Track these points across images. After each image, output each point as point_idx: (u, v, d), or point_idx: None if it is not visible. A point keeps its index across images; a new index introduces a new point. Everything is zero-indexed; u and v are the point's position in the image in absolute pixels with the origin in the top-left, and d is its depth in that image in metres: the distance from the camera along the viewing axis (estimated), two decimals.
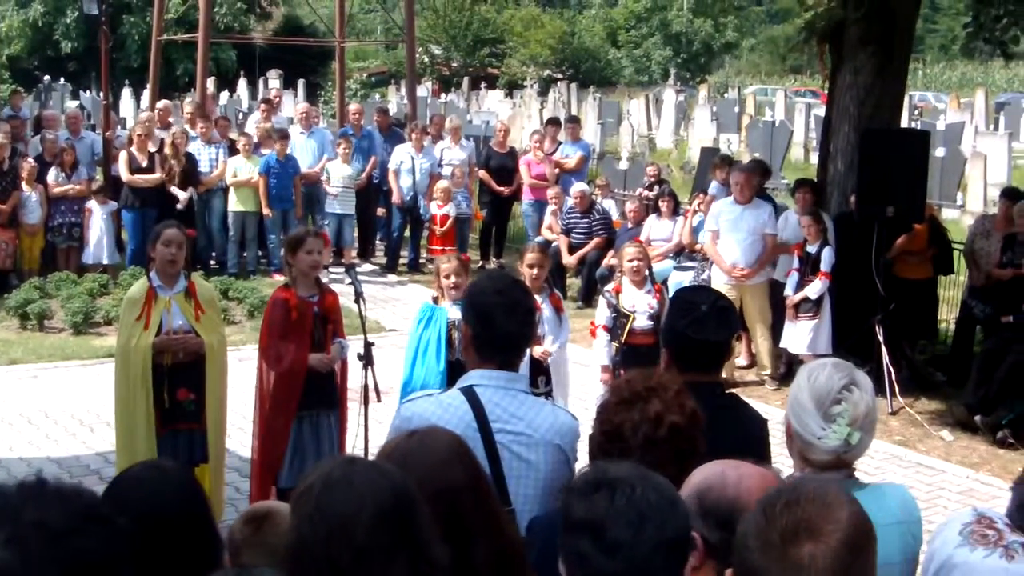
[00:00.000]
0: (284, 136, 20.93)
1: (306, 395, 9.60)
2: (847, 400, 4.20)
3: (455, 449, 4.02)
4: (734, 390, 5.92)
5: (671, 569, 3.27)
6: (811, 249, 14.79)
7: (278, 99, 29.54)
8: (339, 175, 21.09)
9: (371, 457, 4.03)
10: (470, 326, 5.29)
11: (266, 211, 20.54)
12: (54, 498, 2.89)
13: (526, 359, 10.08)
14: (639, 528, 3.17)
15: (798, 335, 14.88)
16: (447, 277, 10.16)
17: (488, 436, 5.00)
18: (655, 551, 3.18)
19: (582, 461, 4.40)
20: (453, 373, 9.14)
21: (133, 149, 19.93)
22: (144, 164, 19.81)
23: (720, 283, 14.92)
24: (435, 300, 10.33)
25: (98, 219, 19.67)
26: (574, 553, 3.23)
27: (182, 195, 19.84)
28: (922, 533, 4.45)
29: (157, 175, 19.80)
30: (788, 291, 14.98)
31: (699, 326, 5.39)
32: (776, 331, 15.38)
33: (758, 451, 5.08)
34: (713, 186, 18.29)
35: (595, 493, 3.24)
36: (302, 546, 3.32)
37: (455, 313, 9.62)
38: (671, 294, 14.08)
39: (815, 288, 14.65)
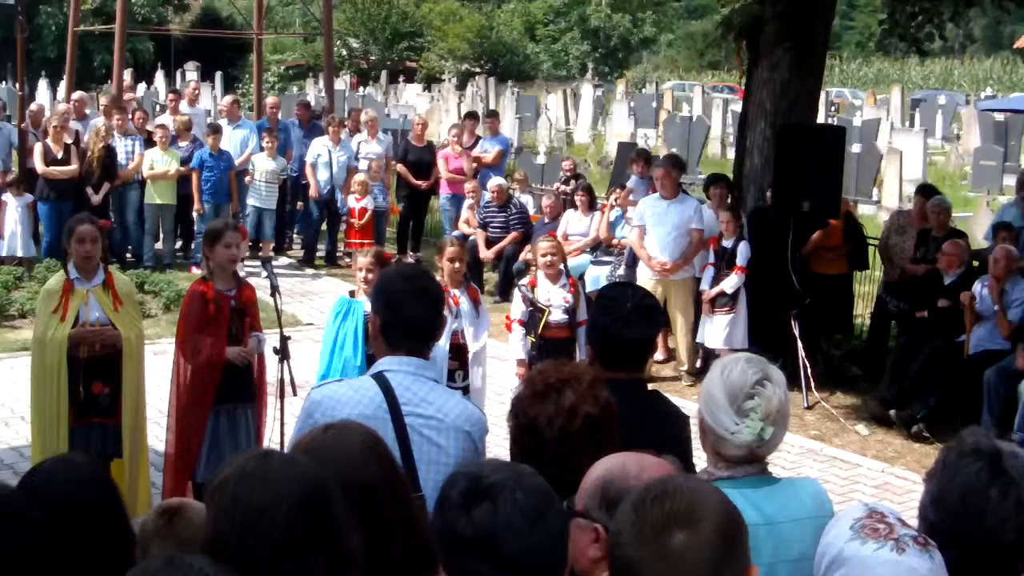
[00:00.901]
0: (216, 130, 20.79)
1: (223, 389, 9.54)
2: (760, 395, 4.23)
3: (370, 444, 4.01)
4: (651, 386, 5.94)
5: (563, 560, 3.33)
6: (727, 244, 14.86)
7: (196, 91, 29.32)
8: (263, 169, 20.97)
9: (287, 450, 4.02)
10: (378, 314, 5.33)
11: (197, 206, 20.33)
12: None
13: (445, 351, 10.18)
14: (530, 534, 3.19)
15: (714, 329, 14.95)
16: (362, 270, 10.17)
17: (399, 418, 5.03)
18: (548, 550, 3.23)
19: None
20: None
21: (49, 141, 19.68)
22: (60, 156, 19.56)
23: (645, 278, 14.98)
24: (352, 294, 10.34)
25: (13, 211, 19.39)
26: (468, 574, 3.22)
27: (96, 198, 19.59)
28: None
29: (73, 167, 19.54)
30: (704, 285, 15.05)
31: (623, 323, 5.43)
32: (693, 326, 15.44)
33: (681, 448, 5.12)
34: (632, 180, 18.31)
35: (476, 505, 3.22)
36: (219, 539, 3.32)
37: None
38: (588, 289, 14.22)
39: (731, 282, 14.73)
